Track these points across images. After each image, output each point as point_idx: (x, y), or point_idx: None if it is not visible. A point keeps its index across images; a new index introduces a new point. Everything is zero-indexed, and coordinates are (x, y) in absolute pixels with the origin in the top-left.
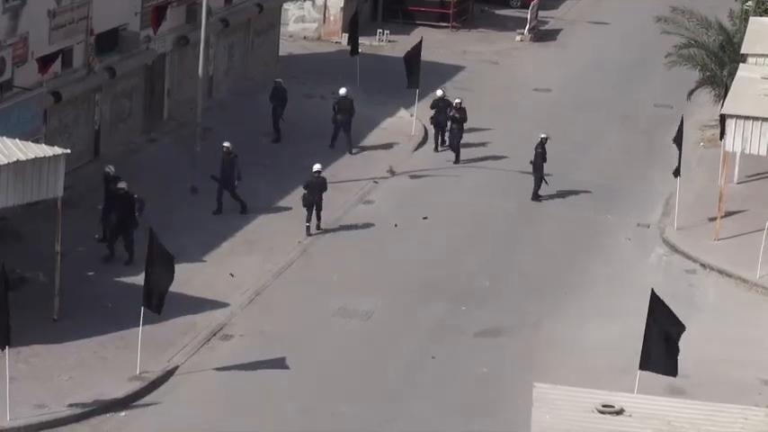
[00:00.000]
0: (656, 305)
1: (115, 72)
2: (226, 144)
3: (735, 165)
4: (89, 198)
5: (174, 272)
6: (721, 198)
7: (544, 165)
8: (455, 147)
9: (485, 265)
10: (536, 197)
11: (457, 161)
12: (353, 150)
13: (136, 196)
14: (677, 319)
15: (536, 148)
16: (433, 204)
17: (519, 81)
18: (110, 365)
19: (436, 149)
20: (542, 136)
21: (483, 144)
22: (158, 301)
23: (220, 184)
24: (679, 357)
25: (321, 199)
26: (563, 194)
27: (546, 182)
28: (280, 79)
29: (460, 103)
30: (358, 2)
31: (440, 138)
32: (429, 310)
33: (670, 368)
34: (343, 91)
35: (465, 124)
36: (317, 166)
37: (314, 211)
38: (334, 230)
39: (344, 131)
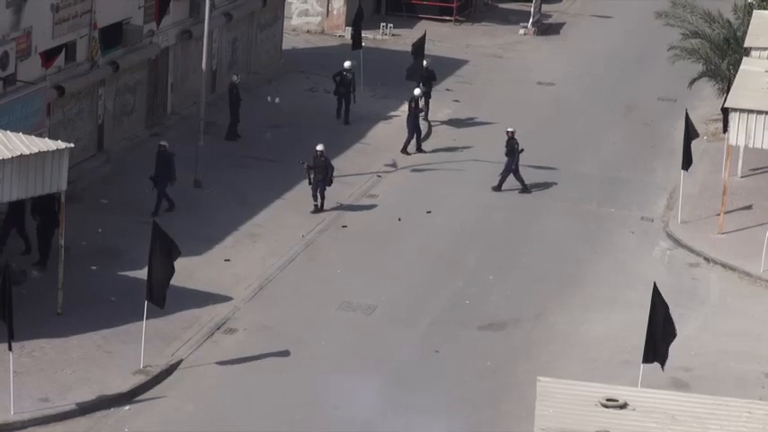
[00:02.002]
0: (658, 301)
1: (119, 66)
2: (163, 143)
3: (738, 158)
4: (93, 192)
5: (173, 265)
6: (725, 192)
7: (516, 156)
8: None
9: (488, 258)
10: (499, 188)
11: (416, 147)
12: (348, 122)
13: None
14: (672, 323)
15: (508, 143)
16: (437, 198)
17: (522, 75)
18: (114, 359)
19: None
20: (509, 129)
21: (486, 138)
22: (162, 295)
23: (156, 183)
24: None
25: (325, 179)
26: (566, 188)
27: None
28: (236, 78)
29: (428, 66)
30: None
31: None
32: (432, 304)
33: (662, 357)
34: (347, 64)
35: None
36: (319, 147)
37: (318, 192)
38: (337, 224)
39: (345, 103)
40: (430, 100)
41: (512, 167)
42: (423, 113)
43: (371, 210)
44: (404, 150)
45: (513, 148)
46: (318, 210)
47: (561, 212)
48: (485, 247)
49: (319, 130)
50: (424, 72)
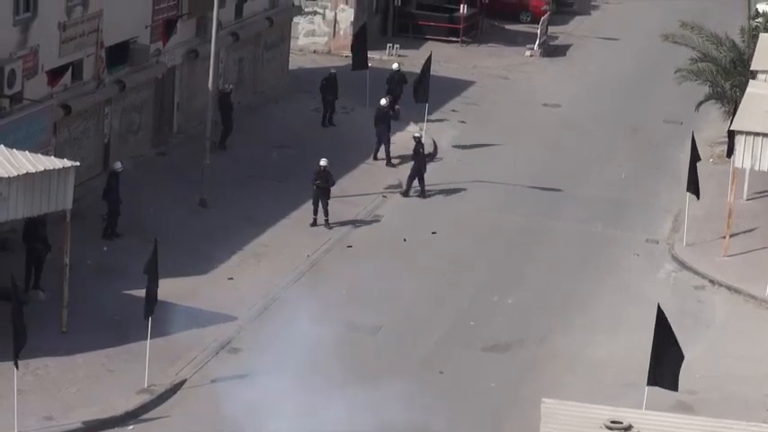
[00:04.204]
0: (662, 323)
1: (125, 85)
2: (117, 165)
3: (744, 181)
4: (98, 210)
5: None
6: (730, 214)
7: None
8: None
9: (493, 279)
10: (420, 193)
11: (384, 158)
12: (327, 125)
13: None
14: (677, 343)
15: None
16: (442, 219)
17: (528, 96)
18: (118, 378)
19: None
20: (416, 135)
21: (492, 159)
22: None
23: (112, 210)
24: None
25: (327, 194)
26: (571, 209)
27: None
28: (230, 86)
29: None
30: (366, 16)
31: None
32: (437, 324)
33: (673, 383)
34: (333, 69)
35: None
36: (323, 161)
37: (320, 207)
38: (342, 245)
39: (329, 108)
40: (398, 103)
41: (417, 171)
42: (393, 115)
43: (376, 230)
44: (388, 163)
45: (417, 152)
46: (316, 224)
47: (566, 234)
48: (489, 268)
49: (326, 151)
50: (395, 75)
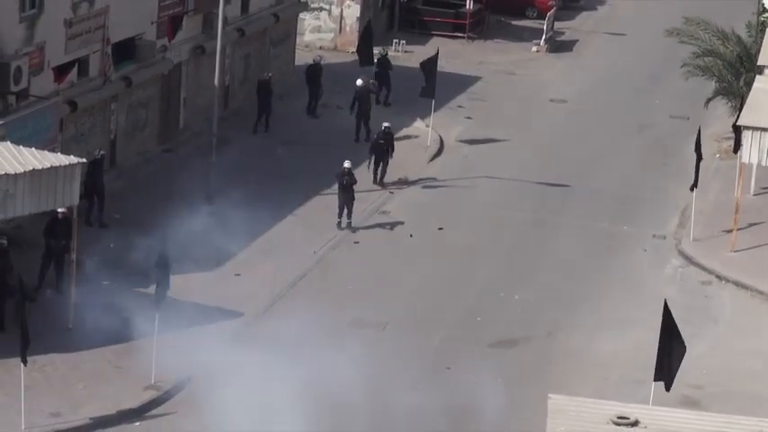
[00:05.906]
0: (667, 318)
1: (131, 81)
2: (96, 151)
3: (751, 176)
4: (104, 207)
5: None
6: (737, 210)
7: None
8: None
9: (499, 275)
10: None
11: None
12: (315, 115)
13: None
14: (681, 337)
15: (379, 138)
16: (449, 215)
17: (535, 92)
18: (125, 375)
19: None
20: (385, 125)
21: (498, 155)
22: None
23: (91, 205)
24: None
25: (350, 197)
26: (579, 205)
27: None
28: (269, 74)
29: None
30: (372, 12)
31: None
32: (444, 321)
33: (669, 380)
34: (316, 58)
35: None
36: (347, 163)
37: (344, 209)
38: (349, 241)
39: (312, 97)
40: (390, 89)
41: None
42: (377, 96)
43: (383, 226)
44: (357, 141)
45: (376, 142)
46: (341, 227)
47: (573, 230)
48: (496, 264)
49: (332, 147)
50: (382, 60)
